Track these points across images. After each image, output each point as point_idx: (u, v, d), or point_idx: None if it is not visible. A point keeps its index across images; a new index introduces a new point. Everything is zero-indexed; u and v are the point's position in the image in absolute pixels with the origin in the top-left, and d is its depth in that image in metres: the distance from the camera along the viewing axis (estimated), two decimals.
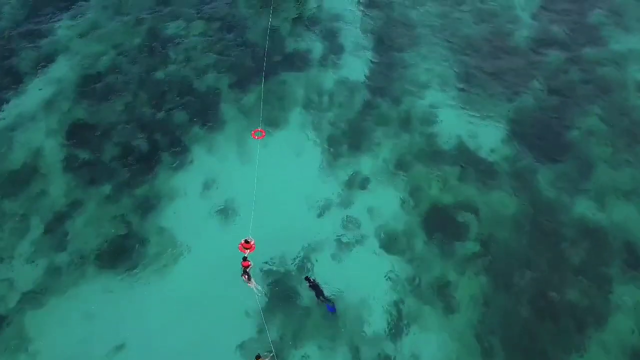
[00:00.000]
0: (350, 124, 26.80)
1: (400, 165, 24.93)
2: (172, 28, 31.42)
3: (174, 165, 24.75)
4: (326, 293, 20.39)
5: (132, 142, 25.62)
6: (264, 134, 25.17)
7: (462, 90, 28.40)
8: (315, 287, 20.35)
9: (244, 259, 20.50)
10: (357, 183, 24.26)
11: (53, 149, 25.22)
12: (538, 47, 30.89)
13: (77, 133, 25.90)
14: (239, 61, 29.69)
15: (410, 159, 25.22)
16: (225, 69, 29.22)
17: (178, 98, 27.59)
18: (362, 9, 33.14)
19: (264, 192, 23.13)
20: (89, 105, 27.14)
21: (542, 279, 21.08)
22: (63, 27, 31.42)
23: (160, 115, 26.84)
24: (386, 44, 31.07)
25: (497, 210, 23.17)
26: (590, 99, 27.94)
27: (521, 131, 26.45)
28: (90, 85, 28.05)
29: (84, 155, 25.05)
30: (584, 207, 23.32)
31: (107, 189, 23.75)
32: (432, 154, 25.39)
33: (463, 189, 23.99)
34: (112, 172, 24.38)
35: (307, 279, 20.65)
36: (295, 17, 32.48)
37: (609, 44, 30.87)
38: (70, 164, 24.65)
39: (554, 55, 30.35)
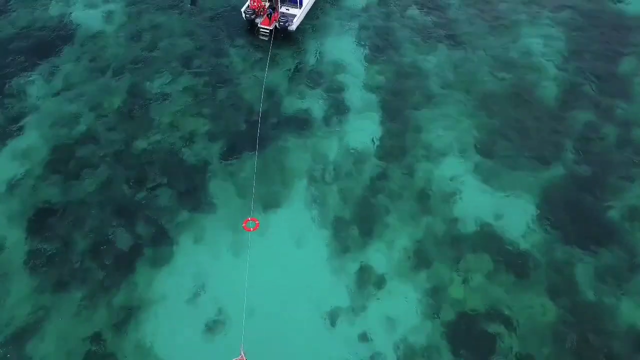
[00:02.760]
0: (360, 203, 23.49)
1: (419, 257, 21.64)
2: (156, 85, 27.95)
3: (156, 261, 21.24)
4: None
5: (107, 231, 22.10)
6: (257, 224, 21.74)
7: (483, 158, 25.18)
8: None
9: None
10: (370, 282, 20.92)
11: (14, 242, 21.62)
12: (565, 103, 27.76)
13: (43, 220, 22.32)
14: (232, 125, 26.28)
15: (429, 248, 21.94)
16: (215, 135, 25.79)
17: (161, 174, 24.12)
18: (369, 60, 29.75)
19: (260, 295, 19.90)
20: (58, 183, 23.57)
21: None
22: (34, 85, 27.87)
23: (141, 195, 23.35)
24: (397, 101, 27.76)
25: (532, 318, 19.89)
26: (629, 168, 24.81)
27: (553, 211, 23.24)
28: (61, 159, 24.50)
29: (50, 249, 21.45)
30: (633, 311, 20.09)
31: (77, 295, 20.18)
32: (454, 242, 22.12)
33: (491, 289, 20.71)
34: (84, 272, 20.83)
35: None
36: (295, 71, 29.08)
37: None
38: (34, 262, 21.07)
39: (583, 113, 27.21)
